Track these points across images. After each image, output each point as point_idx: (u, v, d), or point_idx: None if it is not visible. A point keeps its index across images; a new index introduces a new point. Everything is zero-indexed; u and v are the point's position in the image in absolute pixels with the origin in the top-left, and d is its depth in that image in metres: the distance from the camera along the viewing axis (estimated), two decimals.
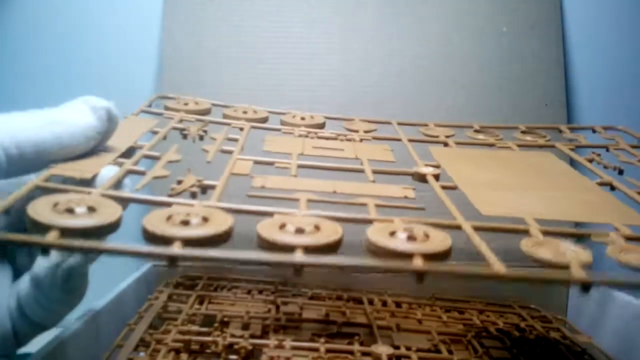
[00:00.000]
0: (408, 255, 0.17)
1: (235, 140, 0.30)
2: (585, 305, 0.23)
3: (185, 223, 0.18)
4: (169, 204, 0.21)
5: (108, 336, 0.31)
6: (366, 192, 0.24)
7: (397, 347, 0.31)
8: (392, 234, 0.19)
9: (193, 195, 0.25)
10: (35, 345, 0.25)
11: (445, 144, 0.33)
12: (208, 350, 0.30)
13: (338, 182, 0.24)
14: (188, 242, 0.17)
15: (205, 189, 0.25)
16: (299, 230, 0.18)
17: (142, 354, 0.26)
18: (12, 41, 0.51)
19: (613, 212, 0.24)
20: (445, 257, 0.18)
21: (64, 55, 0.51)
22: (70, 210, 0.18)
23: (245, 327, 0.33)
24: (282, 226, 0.18)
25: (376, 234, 0.18)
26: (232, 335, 0.30)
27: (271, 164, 0.27)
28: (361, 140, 0.33)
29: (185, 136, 0.31)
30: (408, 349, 0.31)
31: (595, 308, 0.30)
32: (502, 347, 0.33)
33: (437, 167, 0.28)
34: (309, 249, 0.17)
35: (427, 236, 0.18)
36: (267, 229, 0.18)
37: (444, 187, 0.25)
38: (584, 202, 0.25)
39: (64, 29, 0.51)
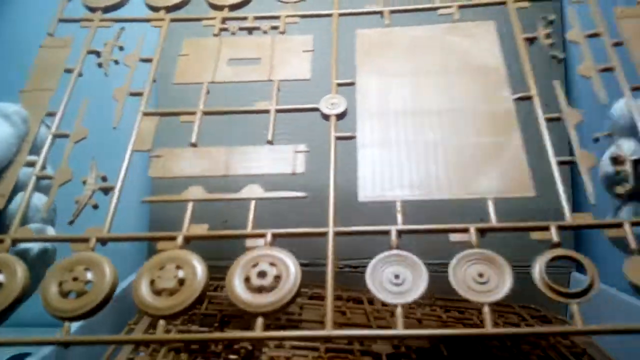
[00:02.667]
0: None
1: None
2: (585, 306, 0.23)
3: None
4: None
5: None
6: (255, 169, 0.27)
7: (397, 347, 0.31)
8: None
9: (95, 207, 0.27)
10: (35, 345, 0.24)
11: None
12: (208, 350, 0.30)
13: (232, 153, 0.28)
14: None
15: (107, 191, 0.27)
16: None
17: (142, 353, 0.25)
18: None
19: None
20: None
21: None
22: None
23: (245, 327, 0.33)
24: None
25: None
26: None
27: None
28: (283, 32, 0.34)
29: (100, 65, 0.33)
30: (408, 348, 0.31)
31: (596, 308, 0.29)
32: (502, 347, 0.33)
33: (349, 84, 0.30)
34: None
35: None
36: None
37: (339, 138, 0.28)
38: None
39: None
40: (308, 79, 0.32)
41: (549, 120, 0.28)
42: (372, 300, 0.40)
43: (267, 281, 0.23)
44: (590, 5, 0.32)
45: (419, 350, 0.30)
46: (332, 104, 0.30)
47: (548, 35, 0.32)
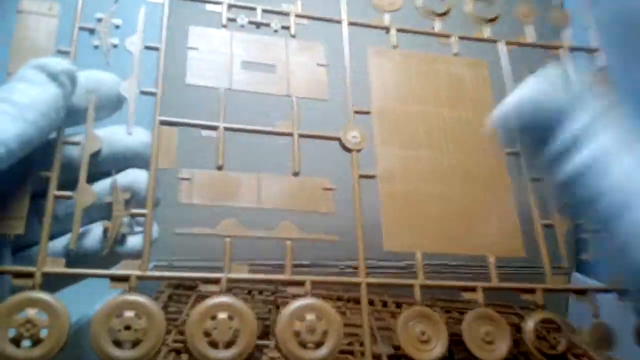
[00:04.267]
0: None
1: None
2: (585, 306, 0.28)
3: None
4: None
5: None
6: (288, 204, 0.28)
7: (397, 347, 0.33)
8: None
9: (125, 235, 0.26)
10: None
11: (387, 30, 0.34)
12: None
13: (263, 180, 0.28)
14: None
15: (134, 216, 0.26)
16: None
17: None
18: None
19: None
20: None
21: None
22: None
23: None
24: None
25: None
26: None
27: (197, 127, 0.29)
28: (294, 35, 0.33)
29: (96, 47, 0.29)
30: None
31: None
32: None
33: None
34: None
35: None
36: None
37: (362, 177, 0.29)
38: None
39: None
40: (325, 100, 0.32)
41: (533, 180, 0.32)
42: (372, 301, 0.41)
43: (315, 337, 0.25)
44: None
45: None
46: (353, 136, 0.31)
47: None
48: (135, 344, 0.23)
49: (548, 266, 0.30)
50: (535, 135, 0.24)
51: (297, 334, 0.25)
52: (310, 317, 0.25)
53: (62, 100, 0.25)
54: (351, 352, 0.32)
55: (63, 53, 0.28)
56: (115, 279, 0.25)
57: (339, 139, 0.31)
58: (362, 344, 0.32)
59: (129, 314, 0.24)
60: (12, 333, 0.23)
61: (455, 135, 0.33)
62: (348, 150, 0.31)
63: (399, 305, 0.42)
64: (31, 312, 0.23)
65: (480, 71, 0.35)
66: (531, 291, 0.29)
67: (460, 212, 0.30)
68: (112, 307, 0.24)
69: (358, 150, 0.31)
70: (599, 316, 0.29)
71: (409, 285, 0.28)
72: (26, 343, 0.23)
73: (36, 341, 0.23)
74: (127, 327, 0.23)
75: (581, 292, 0.30)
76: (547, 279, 0.30)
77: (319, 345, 0.25)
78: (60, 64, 0.25)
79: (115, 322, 0.23)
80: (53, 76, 0.25)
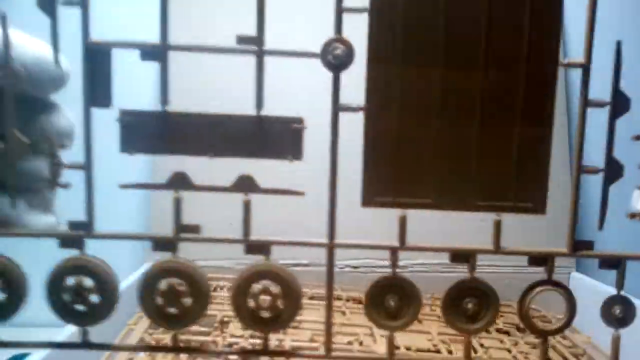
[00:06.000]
0: None
1: None
2: (585, 306, 0.25)
3: None
4: None
5: (108, 336, 0.30)
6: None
7: (397, 347, 0.30)
8: None
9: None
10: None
11: None
12: (208, 350, 0.30)
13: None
14: None
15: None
16: None
17: (142, 354, 0.27)
18: None
19: None
20: None
21: None
22: None
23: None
24: None
25: None
26: (232, 335, 0.31)
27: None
28: None
29: None
30: (408, 349, 0.31)
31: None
32: (502, 347, 0.34)
33: None
34: None
35: None
36: None
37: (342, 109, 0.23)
38: None
39: None
40: None
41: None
42: None
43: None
44: None
45: (419, 351, 0.31)
46: (335, 54, 0.23)
47: None
48: None
49: (571, 227, 0.24)
50: None
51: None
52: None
53: None
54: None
55: None
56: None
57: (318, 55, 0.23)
58: (361, 344, 0.32)
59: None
60: None
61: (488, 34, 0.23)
62: (329, 69, 0.24)
63: None
64: None
65: None
66: (542, 261, 0.24)
67: (467, 156, 0.24)
68: None
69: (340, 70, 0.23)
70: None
71: (388, 248, 0.24)
72: None
73: None
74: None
75: (611, 262, 0.24)
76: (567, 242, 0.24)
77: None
78: None
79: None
80: None
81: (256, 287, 0.24)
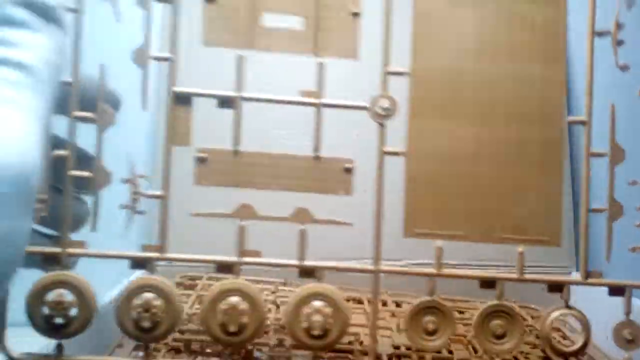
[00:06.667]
0: None
1: None
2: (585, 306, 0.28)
3: None
4: None
5: (108, 336, 0.31)
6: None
7: (397, 347, 0.32)
8: None
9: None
10: (34, 345, 0.26)
11: None
12: (208, 350, 0.31)
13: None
14: None
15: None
16: None
17: (141, 353, 0.27)
18: None
19: None
20: None
21: None
22: None
23: None
24: None
25: None
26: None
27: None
28: None
29: None
30: (408, 349, 0.32)
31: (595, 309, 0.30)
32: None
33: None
34: None
35: None
36: None
37: (386, 153, 0.27)
38: None
39: None
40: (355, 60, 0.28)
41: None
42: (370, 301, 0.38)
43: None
44: None
45: (419, 351, 0.31)
46: (382, 107, 0.28)
47: None
48: None
49: (584, 258, 0.28)
50: None
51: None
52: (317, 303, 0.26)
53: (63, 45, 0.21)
54: (351, 352, 0.32)
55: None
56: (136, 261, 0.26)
57: (366, 108, 0.28)
58: (362, 344, 0.32)
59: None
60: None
61: (511, 100, 0.28)
62: (376, 121, 0.28)
63: (398, 305, 0.41)
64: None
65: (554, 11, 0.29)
66: (558, 287, 0.27)
67: (493, 196, 0.28)
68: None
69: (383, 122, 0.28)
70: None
71: (426, 274, 0.27)
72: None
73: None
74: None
75: (618, 290, 0.27)
76: (580, 272, 0.28)
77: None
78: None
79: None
80: (50, 16, 0.20)
81: (307, 309, 0.26)
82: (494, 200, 0.28)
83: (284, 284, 0.42)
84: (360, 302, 0.40)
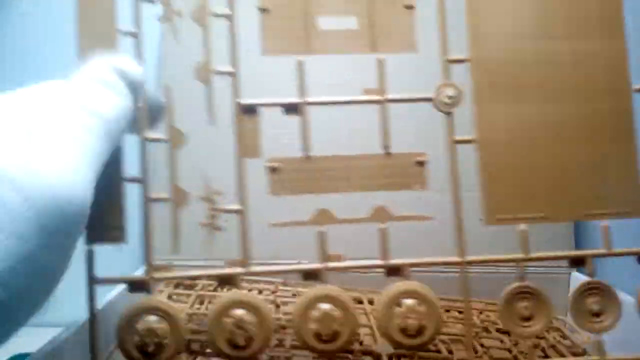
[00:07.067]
0: None
1: None
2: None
3: None
4: None
5: (108, 336, 0.30)
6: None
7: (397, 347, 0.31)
8: None
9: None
10: (34, 345, 0.26)
11: None
12: (208, 350, 0.30)
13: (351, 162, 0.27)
14: None
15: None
16: None
17: None
18: None
19: None
20: None
21: None
22: None
23: None
24: None
25: None
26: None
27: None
28: None
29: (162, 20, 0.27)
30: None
31: None
32: (502, 347, 0.34)
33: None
34: None
35: None
36: None
37: (457, 142, 0.27)
38: None
39: None
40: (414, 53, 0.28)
41: None
42: (372, 301, 0.39)
43: None
44: None
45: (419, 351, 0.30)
46: (448, 96, 0.28)
47: None
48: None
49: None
50: None
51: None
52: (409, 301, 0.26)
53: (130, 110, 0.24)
54: (351, 352, 0.31)
55: (129, 34, 0.26)
56: (222, 279, 0.26)
57: (431, 100, 0.28)
58: (362, 343, 0.32)
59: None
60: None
61: (575, 76, 0.28)
62: (442, 111, 0.28)
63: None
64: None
65: None
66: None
67: (571, 173, 0.27)
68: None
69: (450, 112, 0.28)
70: None
71: (509, 260, 0.27)
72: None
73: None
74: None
75: None
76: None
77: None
78: (139, 73, 0.24)
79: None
80: (133, 87, 0.24)
81: (399, 309, 0.26)
82: (572, 178, 0.27)
83: (284, 284, 0.43)
84: (360, 302, 0.40)
